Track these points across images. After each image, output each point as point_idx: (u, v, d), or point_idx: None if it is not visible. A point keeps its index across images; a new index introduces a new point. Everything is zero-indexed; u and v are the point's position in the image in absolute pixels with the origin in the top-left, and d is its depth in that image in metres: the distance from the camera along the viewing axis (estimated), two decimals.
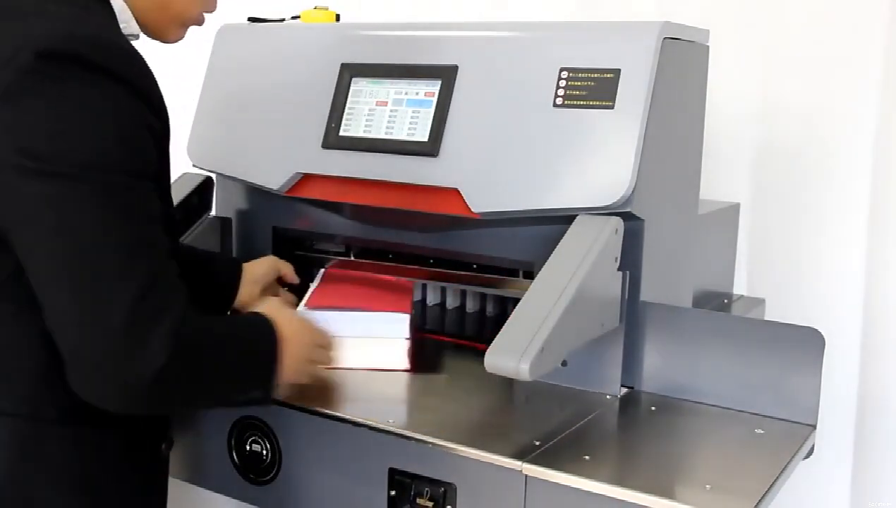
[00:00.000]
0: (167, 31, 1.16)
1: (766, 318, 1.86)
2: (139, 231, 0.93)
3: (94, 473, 1.07)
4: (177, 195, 1.59)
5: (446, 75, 1.44)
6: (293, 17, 1.72)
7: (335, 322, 1.37)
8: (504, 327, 1.17)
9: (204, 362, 1.00)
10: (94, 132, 0.90)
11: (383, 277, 1.63)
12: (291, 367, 1.15)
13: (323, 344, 1.27)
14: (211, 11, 1.21)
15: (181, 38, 1.19)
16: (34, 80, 0.89)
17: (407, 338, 1.44)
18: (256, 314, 1.15)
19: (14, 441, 1.01)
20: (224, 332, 1.08)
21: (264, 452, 1.35)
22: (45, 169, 0.88)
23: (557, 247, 1.27)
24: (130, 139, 0.93)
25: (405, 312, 1.46)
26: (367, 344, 1.43)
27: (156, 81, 0.99)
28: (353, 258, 1.70)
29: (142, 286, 0.91)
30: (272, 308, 1.18)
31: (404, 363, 1.44)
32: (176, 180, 1.66)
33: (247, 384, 1.11)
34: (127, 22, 1.10)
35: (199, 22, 1.20)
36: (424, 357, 1.54)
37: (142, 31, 1.14)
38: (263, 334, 1.11)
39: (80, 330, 0.91)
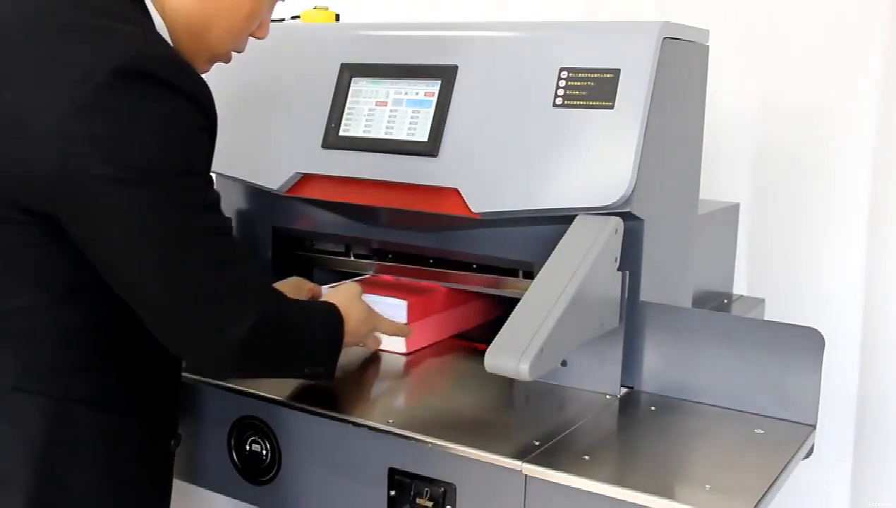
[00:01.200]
0: (195, 60, 1.18)
1: (766, 318, 1.86)
2: (211, 220, 1.05)
3: (116, 459, 1.13)
4: None
5: (446, 75, 1.44)
6: (293, 17, 1.72)
7: None
8: (504, 327, 1.17)
9: (282, 330, 1.15)
10: (164, 141, 0.99)
11: (415, 282, 1.63)
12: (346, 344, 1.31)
13: (382, 330, 1.45)
14: (240, 52, 1.24)
15: (206, 71, 1.22)
16: (111, 95, 0.96)
17: (404, 324, 1.50)
18: (328, 303, 1.30)
19: (47, 421, 1.07)
20: (297, 310, 1.23)
21: (264, 452, 1.35)
22: (124, 176, 0.96)
23: (557, 247, 1.27)
24: (194, 145, 1.04)
25: (403, 299, 1.51)
26: None
27: (209, 91, 1.06)
28: (351, 258, 1.70)
29: (224, 265, 1.06)
30: (342, 296, 1.34)
31: (401, 346, 1.51)
32: None
33: (313, 359, 1.25)
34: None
35: (227, 59, 1.23)
36: (424, 357, 1.54)
37: None
38: (332, 320, 1.27)
39: (179, 312, 1.04)
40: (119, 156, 0.96)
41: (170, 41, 1.13)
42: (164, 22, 1.12)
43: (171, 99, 0.99)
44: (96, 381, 1.10)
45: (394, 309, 1.50)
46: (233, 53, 1.23)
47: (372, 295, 1.49)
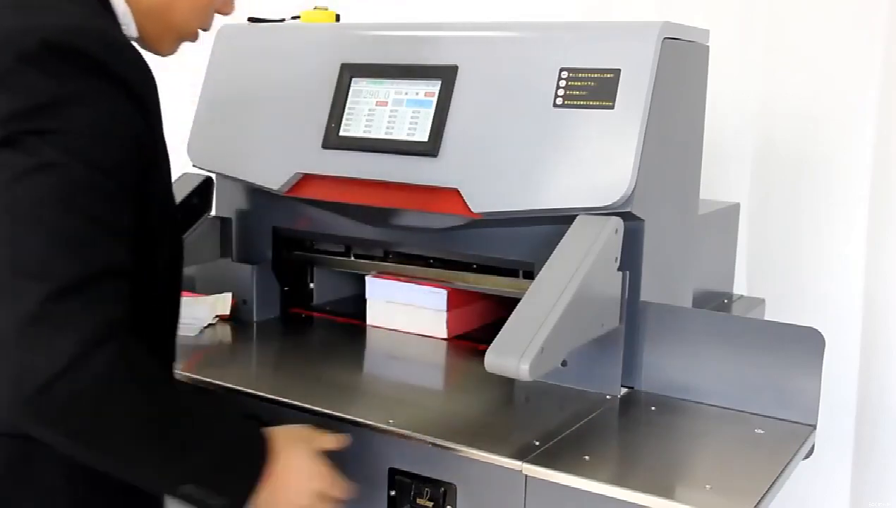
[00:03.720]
0: (162, 42, 1.16)
1: (766, 318, 1.86)
2: (85, 230, 0.89)
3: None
4: (177, 195, 1.59)
5: (446, 75, 1.44)
6: (293, 17, 1.72)
7: (390, 288, 1.54)
8: (504, 327, 1.17)
9: (125, 399, 0.90)
10: (79, 126, 0.90)
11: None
12: (283, 501, 1.05)
13: (323, 493, 1.11)
14: (206, 29, 1.21)
15: (174, 52, 1.20)
16: (33, 67, 0.89)
17: (445, 310, 1.58)
18: (259, 427, 1.06)
19: (5, 460, 1.00)
20: (189, 394, 1.06)
21: None
22: (23, 150, 0.87)
23: (557, 247, 1.27)
24: (113, 139, 0.93)
25: (443, 289, 1.59)
26: (413, 311, 1.61)
27: (155, 85, 1.00)
28: (351, 258, 1.70)
29: (63, 283, 0.86)
30: (288, 437, 1.09)
31: (443, 331, 1.59)
32: (176, 180, 1.66)
33: (201, 472, 0.98)
34: (127, 25, 1.11)
35: (194, 38, 1.21)
36: (425, 357, 1.54)
37: (138, 40, 1.14)
38: (251, 443, 1.03)
39: None
40: (22, 127, 0.88)
41: (133, 24, 1.10)
42: (128, 7, 1.09)
43: (104, 83, 0.93)
44: None
45: (435, 296, 1.58)
46: (200, 32, 1.20)
47: (410, 285, 1.59)
